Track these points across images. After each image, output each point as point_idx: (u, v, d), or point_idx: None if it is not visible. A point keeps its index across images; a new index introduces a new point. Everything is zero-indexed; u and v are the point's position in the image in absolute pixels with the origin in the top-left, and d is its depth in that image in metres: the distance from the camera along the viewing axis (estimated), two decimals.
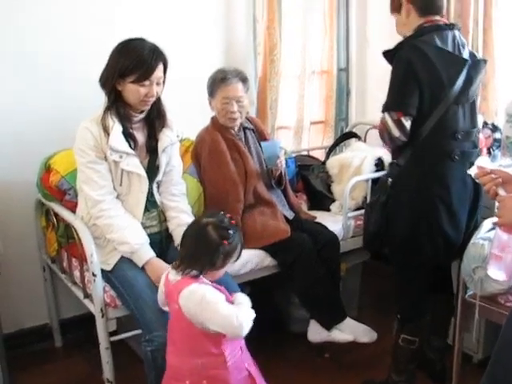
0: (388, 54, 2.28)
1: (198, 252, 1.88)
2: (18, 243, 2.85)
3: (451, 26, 2.24)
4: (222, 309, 1.83)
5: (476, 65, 2.25)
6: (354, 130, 3.71)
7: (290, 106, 3.58)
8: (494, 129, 2.94)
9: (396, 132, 2.16)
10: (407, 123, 2.16)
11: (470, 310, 2.32)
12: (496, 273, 1.84)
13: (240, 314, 1.84)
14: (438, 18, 2.24)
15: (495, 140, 2.91)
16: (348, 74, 3.80)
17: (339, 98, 3.78)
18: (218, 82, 2.66)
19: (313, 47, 3.55)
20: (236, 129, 2.77)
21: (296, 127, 3.61)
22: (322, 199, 3.14)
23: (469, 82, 2.20)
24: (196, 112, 2.90)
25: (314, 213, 3.05)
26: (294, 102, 3.57)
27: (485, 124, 2.94)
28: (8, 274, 2.75)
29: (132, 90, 2.23)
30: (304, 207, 3.17)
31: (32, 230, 2.86)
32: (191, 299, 1.84)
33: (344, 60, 3.77)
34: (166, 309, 2.01)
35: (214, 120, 2.78)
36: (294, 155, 3.40)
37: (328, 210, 3.08)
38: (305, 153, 3.62)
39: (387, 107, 2.20)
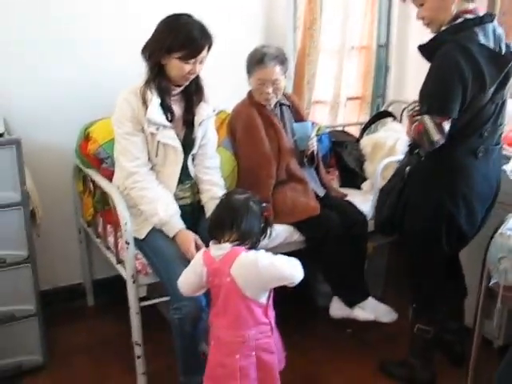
0: (425, 49, 2.15)
1: (248, 225, 1.97)
2: (57, 206, 2.97)
3: (492, 18, 2.10)
4: (280, 261, 1.93)
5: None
6: (390, 108, 3.68)
7: (327, 81, 3.57)
8: None
9: (436, 136, 2.08)
10: (447, 126, 2.08)
11: (492, 298, 2.33)
12: None
13: (288, 258, 1.96)
14: (475, 5, 2.11)
15: None
16: (388, 51, 3.75)
17: (377, 74, 3.75)
18: (255, 62, 2.67)
19: (353, 22, 3.53)
20: (272, 105, 2.79)
21: (332, 102, 3.61)
22: (354, 177, 3.16)
23: (505, 80, 2.12)
24: (235, 85, 2.90)
25: (345, 190, 3.07)
26: (331, 77, 3.57)
27: None
28: (46, 234, 2.86)
29: (177, 66, 2.26)
30: (336, 184, 3.20)
31: (70, 194, 2.97)
32: (247, 266, 1.89)
33: (384, 36, 3.72)
34: (198, 294, 2.04)
35: (250, 95, 2.80)
36: (328, 130, 3.42)
37: (359, 188, 3.10)
38: (340, 128, 3.62)
39: (430, 110, 2.09)
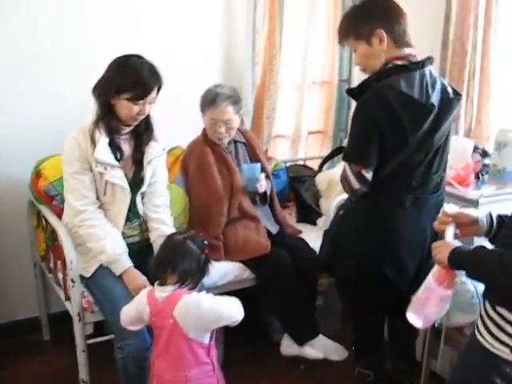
0: (353, 94, 2.16)
1: (186, 266, 1.98)
2: (13, 239, 2.98)
3: (420, 65, 2.06)
4: (220, 302, 1.95)
5: (447, 104, 2.10)
6: None
7: (288, 115, 3.60)
8: (484, 154, 2.93)
9: (356, 184, 2.08)
10: (368, 174, 2.05)
11: (437, 339, 2.36)
12: (414, 318, 1.83)
13: (231, 299, 1.99)
14: (409, 51, 2.08)
15: (484, 165, 2.91)
16: (349, 85, 3.79)
17: (339, 108, 3.79)
18: (208, 102, 2.70)
19: (314, 58, 3.57)
20: (226, 143, 2.82)
21: (293, 136, 3.64)
22: (310, 213, 3.19)
23: (435, 127, 2.06)
24: (191, 120, 2.91)
25: (301, 226, 3.10)
26: (292, 111, 3.60)
27: (475, 148, 2.93)
28: (2, 267, 2.89)
29: (125, 107, 2.28)
30: (293, 219, 3.23)
31: (25, 227, 2.96)
32: (189, 308, 1.91)
33: (346, 71, 3.77)
34: (131, 328, 2.05)
35: (204, 132, 2.83)
36: (287, 165, 3.45)
37: (316, 223, 3.13)
38: (301, 162, 3.66)
39: (347, 158, 2.11)
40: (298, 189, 3.26)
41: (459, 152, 2.84)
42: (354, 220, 2.25)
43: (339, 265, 2.33)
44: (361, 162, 2.05)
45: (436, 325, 2.33)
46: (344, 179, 2.14)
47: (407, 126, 2.00)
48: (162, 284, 2.00)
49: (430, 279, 1.76)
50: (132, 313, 2.03)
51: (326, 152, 3.75)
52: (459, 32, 3.04)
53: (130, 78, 2.26)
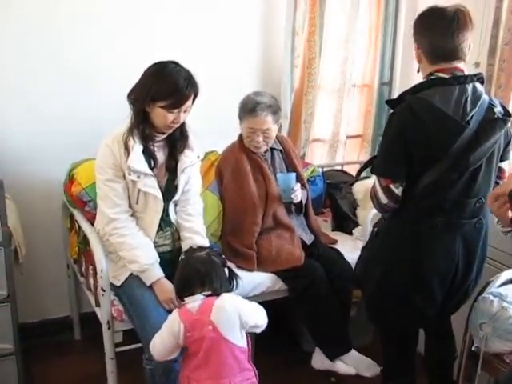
0: (391, 104, 2.10)
1: (219, 279, 2.01)
2: (47, 239, 3.00)
3: (462, 80, 1.95)
4: (249, 308, 2.00)
5: (489, 124, 1.96)
6: None
7: (326, 119, 3.53)
8: None
9: (384, 199, 2.02)
10: (397, 190, 1.99)
11: (475, 362, 2.27)
12: None
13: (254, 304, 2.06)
14: (453, 64, 1.98)
15: None
16: (391, 88, 3.70)
17: (379, 112, 3.69)
18: (247, 111, 2.65)
19: (355, 60, 3.48)
20: (263, 151, 2.77)
21: (331, 140, 3.57)
22: (346, 221, 3.12)
23: (473, 146, 1.93)
24: (229, 125, 2.88)
25: (336, 235, 3.05)
26: (330, 115, 3.53)
27: None
28: (36, 267, 2.93)
29: (160, 115, 2.24)
30: (329, 226, 3.17)
31: (59, 228, 2.98)
32: (226, 307, 1.92)
33: (387, 74, 3.67)
34: (171, 357, 2.00)
35: (241, 138, 2.78)
36: (324, 170, 3.39)
37: (351, 233, 3.06)
38: (339, 167, 3.58)
39: (375, 172, 2.06)
40: (334, 196, 3.19)
41: None
42: (383, 239, 2.18)
43: (366, 284, 2.27)
44: (388, 176, 2.00)
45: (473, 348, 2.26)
46: (373, 193, 2.08)
47: (436, 141, 1.93)
48: (191, 295, 1.98)
49: None
50: (166, 341, 1.97)
51: (364, 157, 3.68)
52: (509, 37, 2.91)
53: (165, 86, 2.21)
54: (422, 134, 1.93)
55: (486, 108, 1.98)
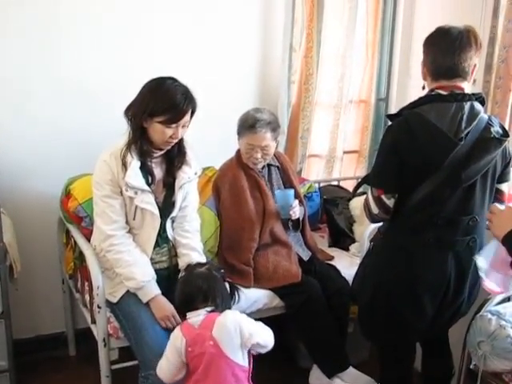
0: (391, 118, 2.12)
1: (221, 294, 2.02)
2: (42, 255, 2.98)
3: (459, 97, 1.97)
4: (257, 325, 1.98)
5: (484, 143, 1.96)
6: None
7: (323, 135, 3.53)
8: None
9: (375, 209, 2.04)
10: (389, 201, 2.01)
11: (472, 381, 2.26)
12: (491, 285, 1.76)
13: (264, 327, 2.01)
14: (453, 83, 2.00)
15: None
16: (387, 105, 3.71)
17: (376, 128, 3.70)
18: (246, 127, 2.65)
19: (352, 76, 3.49)
20: (260, 167, 2.77)
21: (328, 156, 3.57)
22: (343, 237, 3.12)
23: (462, 165, 1.94)
24: (226, 140, 2.91)
25: (333, 250, 3.04)
26: (327, 131, 3.53)
27: None
28: (31, 282, 2.90)
29: (158, 130, 2.24)
30: (325, 242, 3.17)
31: (55, 243, 2.95)
32: (227, 323, 1.90)
33: (384, 90, 3.68)
34: (179, 376, 1.97)
35: (238, 154, 2.78)
36: (321, 185, 3.39)
37: (348, 249, 3.05)
38: (335, 182, 3.58)
39: (369, 181, 2.11)
40: (330, 211, 3.19)
41: None
42: (378, 253, 2.20)
43: (361, 298, 2.28)
44: (380, 187, 2.04)
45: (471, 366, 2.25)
46: (365, 203, 2.12)
47: (429, 156, 1.96)
48: (194, 310, 1.98)
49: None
50: (171, 360, 1.94)
51: (360, 172, 3.69)
52: (505, 55, 2.93)
53: (163, 102, 2.21)
54: (415, 147, 1.96)
55: (483, 127, 1.99)
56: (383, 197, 2.02)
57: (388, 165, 2.02)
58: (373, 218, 2.12)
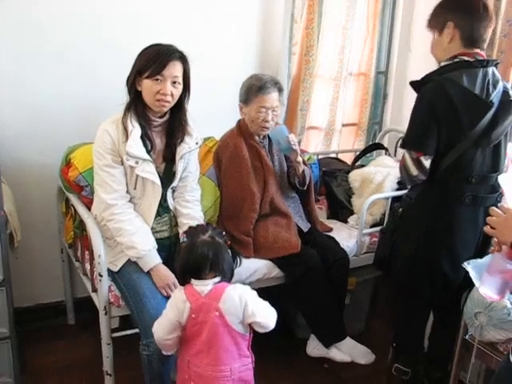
0: (416, 85, 2.20)
1: (226, 262, 1.98)
2: (41, 224, 2.97)
3: (484, 63, 2.11)
4: (263, 306, 1.97)
5: (506, 105, 2.14)
6: (386, 136, 3.66)
7: (323, 107, 3.53)
8: None
9: (414, 171, 2.13)
10: (427, 162, 2.11)
11: (468, 352, 2.30)
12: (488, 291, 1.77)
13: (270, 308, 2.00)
14: (477, 50, 2.13)
15: None
16: (387, 78, 3.70)
17: (375, 101, 3.71)
18: (255, 90, 2.63)
19: (352, 49, 3.47)
20: (261, 136, 2.76)
21: (327, 129, 3.57)
22: (341, 209, 3.12)
23: (493, 124, 2.11)
24: (226, 111, 2.90)
25: (332, 222, 3.05)
26: (326, 104, 3.52)
27: None
28: (30, 251, 2.90)
29: (147, 87, 2.25)
30: (323, 214, 3.17)
31: (54, 213, 2.95)
32: (235, 297, 1.91)
33: (384, 63, 3.68)
34: (170, 336, 1.97)
35: (240, 124, 2.77)
36: (319, 157, 3.39)
37: (346, 221, 3.07)
38: (334, 155, 3.59)
39: (406, 145, 2.18)
40: (329, 184, 3.18)
41: None
42: (413, 217, 2.29)
43: (396, 261, 2.35)
44: (419, 149, 2.11)
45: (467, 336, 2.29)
46: (403, 166, 2.19)
47: (465, 119, 2.07)
48: (201, 278, 1.96)
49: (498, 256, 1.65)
50: (170, 316, 1.96)
51: (359, 145, 3.69)
52: (507, 29, 2.92)
53: (147, 56, 2.25)
54: (452, 111, 2.05)
55: (503, 91, 2.14)
56: (422, 158, 2.11)
57: (427, 127, 2.09)
58: (412, 180, 2.20)
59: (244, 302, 1.91)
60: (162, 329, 1.97)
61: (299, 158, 2.72)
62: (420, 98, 2.14)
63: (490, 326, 2.14)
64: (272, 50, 3.27)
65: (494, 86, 2.12)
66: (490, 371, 2.39)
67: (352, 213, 3.08)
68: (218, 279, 1.96)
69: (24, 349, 2.76)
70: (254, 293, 1.99)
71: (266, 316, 1.96)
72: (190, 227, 2.14)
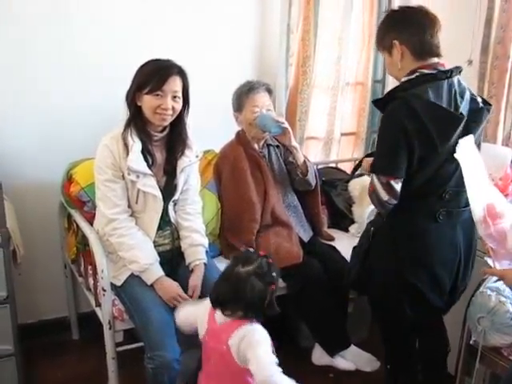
0: (379, 104, 2.10)
1: (248, 302, 1.84)
2: (44, 239, 2.98)
3: (448, 74, 1.99)
4: (263, 352, 1.82)
5: (477, 114, 2.04)
6: None
7: (321, 117, 3.54)
8: None
9: (385, 196, 2.00)
10: (397, 185, 1.98)
11: (472, 357, 2.30)
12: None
13: (279, 374, 1.82)
14: (435, 60, 2.02)
15: None
16: (384, 86, 3.72)
17: (373, 109, 3.71)
18: (245, 92, 2.70)
19: (348, 59, 3.49)
20: (260, 145, 2.78)
21: (326, 138, 3.58)
22: (342, 218, 3.14)
23: (465, 135, 1.99)
24: (224, 124, 2.93)
25: (333, 232, 3.06)
26: (324, 113, 3.54)
27: None
28: (33, 268, 2.91)
29: (147, 102, 2.27)
30: (325, 222, 3.18)
31: (56, 228, 2.96)
32: (245, 340, 1.81)
33: (381, 72, 3.69)
34: (185, 328, 2.05)
35: (238, 135, 2.80)
36: (319, 167, 3.41)
37: (347, 230, 3.08)
38: (333, 164, 3.60)
39: (375, 170, 2.06)
40: (329, 193, 3.21)
41: (498, 161, 2.76)
42: (385, 236, 2.16)
43: (373, 283, 2.24)
44: (390, 174, 1.99)
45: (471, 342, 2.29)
46: (372, 191, 2.06)
47: (436, 136, 1.94)
48: (223, 310, 1.88)
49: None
50: (192, 313, 2.03)
51: (358, 154, 3.70)
52: (502, 35, 2.95)
53: (147, 72, 2.27)
54: (422, 130, 1.93)
55: (470, 99, 2.04)
56: (392, 182, 1.98)
57: (396, 150, 1.96)
58: (382, 205, 2.05)
59: (250, 344, 1.81)
60: (184, 312, 2.08)
61: (294, 143, 2.74)
62: (387, 117, 2.02)
63: (494, 330, 2.16)
64: (269, 61, 3.29)
65: (462, 96, 2.02)
66: (495, 376, 2.39)
67: (353, 221, 3.09)
68: (236, 317, 1.86)
69: (29, 365, 2.76)
70: (267, 341, 1.86)
71: (260, 369, 1.79)
72: (241, 251, 2.02)
